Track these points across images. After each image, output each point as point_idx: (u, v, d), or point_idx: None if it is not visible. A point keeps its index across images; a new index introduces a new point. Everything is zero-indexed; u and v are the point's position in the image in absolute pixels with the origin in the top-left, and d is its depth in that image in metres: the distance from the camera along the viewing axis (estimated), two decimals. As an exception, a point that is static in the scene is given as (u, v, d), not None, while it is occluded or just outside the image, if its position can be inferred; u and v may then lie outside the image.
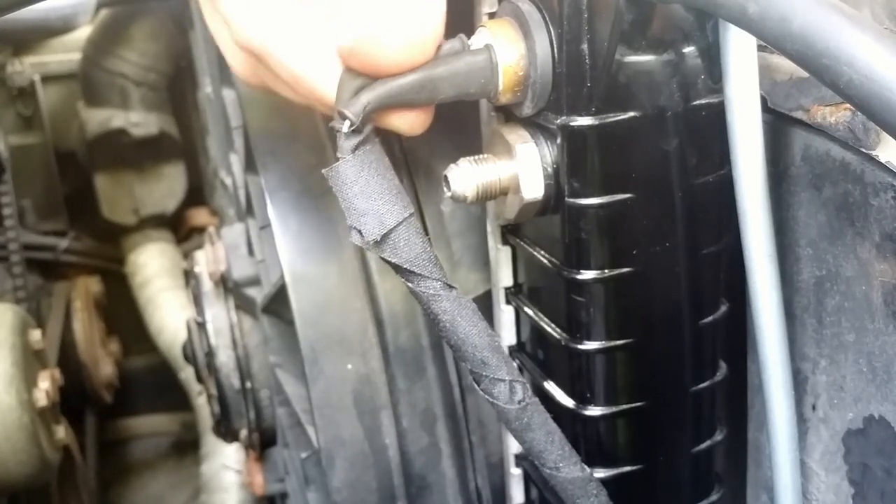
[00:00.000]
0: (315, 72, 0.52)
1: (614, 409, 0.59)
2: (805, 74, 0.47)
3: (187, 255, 1.74)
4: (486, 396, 0.54)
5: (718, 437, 0.63)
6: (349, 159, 0.49)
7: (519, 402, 0.54)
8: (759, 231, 0.51)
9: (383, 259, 0.51)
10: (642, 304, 0.57)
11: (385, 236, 0.49)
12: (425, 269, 0.51)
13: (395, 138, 0.70)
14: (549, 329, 0.60)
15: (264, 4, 0.53)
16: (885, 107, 0.34)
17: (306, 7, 0.53)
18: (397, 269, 0.51)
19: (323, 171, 0.50)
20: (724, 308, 0.60)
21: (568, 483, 0.56)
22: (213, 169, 1.83)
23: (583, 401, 0.59)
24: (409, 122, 0.53)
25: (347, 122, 0.49)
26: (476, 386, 0.54)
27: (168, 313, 2.28)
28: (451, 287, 0.52)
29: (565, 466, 0.56)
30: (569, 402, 0.60)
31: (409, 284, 0.51)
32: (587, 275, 0.55)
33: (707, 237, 0.56)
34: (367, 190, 0.49)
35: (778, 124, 0.55)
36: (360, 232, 0.50)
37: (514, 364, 0.54)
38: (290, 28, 0.52)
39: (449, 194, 0.56)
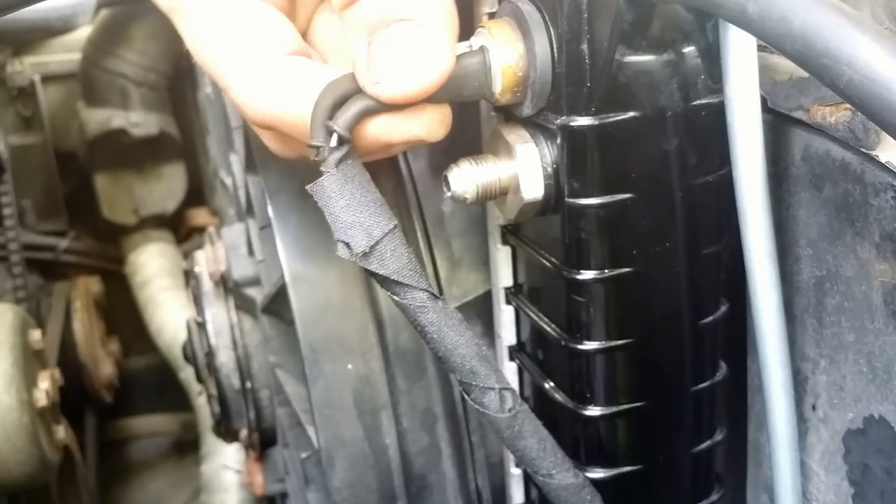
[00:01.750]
0: None
1: (614, 409, 0.59)
2: (805, 74, 0.47)
3: (187, 255, 1.74)
4: (477, 406, 0.54)
5: (718, 437, 0.63)
6: (334, 174, 0.49)
7: (509, 411, 0.54)
8: (759, 231, 0.51)
9: (369, 271, 0.50)
10: (642, 304, 0.57)
11: (372, 248, 0.49)
12: (412, 280, 0.51)
13: None
14: (548, 329, 0.60)
15: (269, 78, 0.53)
16: (885, 107, 0.34)
17: (310, 72, 0.53)
18: (384, 280, 0.51)
19: (307, 187, 0.50)
20: (724, 308, 0.60)
21: (561, 490, 0.56)
22: (213, 169, 1.83)
23: (582, 401, 0.59)
24: (427, 125, 0.52)
25: (335, 137, 0.49)
26: (466, 396, 0.54)
27: (168, 313, 2.28)
28: (436, 298, 0.52)
29: (558, 473, 0.56)
30: (568, 402, 0.60)
31: (395, 297, 0.51)
32: (587, 275, 0.55)
33: (707, 237, 0.56)
34: (352, 203, 0.49)
35: (778, 124, 0.55)
36: (347, 245, 0.49)
37: (502, 373, 0.54)
38: (298, 95, 0.52)
39: (449, 194, 0.56)
